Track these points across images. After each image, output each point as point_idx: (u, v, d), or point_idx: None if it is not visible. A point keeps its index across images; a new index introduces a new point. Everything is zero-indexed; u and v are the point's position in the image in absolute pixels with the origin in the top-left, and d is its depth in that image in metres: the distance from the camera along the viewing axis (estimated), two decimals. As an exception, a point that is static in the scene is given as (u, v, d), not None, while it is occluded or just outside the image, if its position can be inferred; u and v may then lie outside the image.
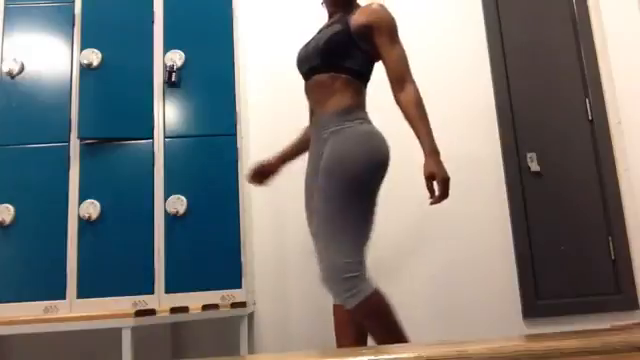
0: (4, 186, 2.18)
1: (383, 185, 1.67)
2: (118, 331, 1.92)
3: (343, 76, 1.70)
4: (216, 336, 2.49)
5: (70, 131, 2.25)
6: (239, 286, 2.19)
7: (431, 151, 1.60)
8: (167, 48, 2.35)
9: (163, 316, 2.06)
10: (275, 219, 2.63)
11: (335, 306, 1.75)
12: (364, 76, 1.76)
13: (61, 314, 2.07)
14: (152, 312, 2.03)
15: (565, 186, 2.71)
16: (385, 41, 1.68)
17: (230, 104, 2.34)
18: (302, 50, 1.84)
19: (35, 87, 2.28)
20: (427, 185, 1.59)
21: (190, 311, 2.08)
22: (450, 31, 2.85)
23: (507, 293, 2.57)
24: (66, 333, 2.07)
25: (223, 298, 2.16)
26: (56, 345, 2.39)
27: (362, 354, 0.81)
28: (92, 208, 2.18)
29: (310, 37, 1.85)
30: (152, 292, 2.15)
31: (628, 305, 2.55)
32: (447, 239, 2.60)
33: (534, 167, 2.70)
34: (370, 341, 1.72)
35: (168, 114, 2.32)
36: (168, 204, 2.22)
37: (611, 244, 2.63)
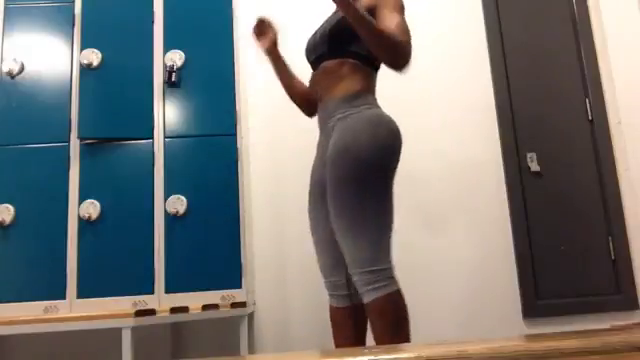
0: (4, 186, 2.18)
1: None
2: (118, 331, 1.92)
3: (351, 61, 1.66)
4: (216, 336, 2.49)
5: (70, 131, 2.25)
6: (239, 286, 2.19)
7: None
8: (167, 48, 2.35)
9: (163, 316, 2.06)
10: (275, 219, 2.63)
11: (331, 307, 1.73)
12: (374, 60, 1.70)
13: (61, 314, 2.07)
14: (152, 312, 2.03)
15: (565, 186, 2.71)
16: (386, 11, 1.59)
17: (230, 104, 2.34)
18: (310, 39, 1.81)
19: (35, 87, 2.28)
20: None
21: (190, 311, 2.08)
22: (450, 31, 2.85)
23: (507, 293, 2.57)
24: (66, 333, 2.07)
25: (223, 298, 2.16)
26: (56, 345, 2.39)
27: (362, 354, 0.80)
28: (92, 208, 2.18)
29: (313, 32, 1.83)
30: (152, 292, 2.15)
31: (628, 305, 2.55)
32: (447, 239, 2.60)
33: (534, 167, 2.70)
34: (369, 342, 1.71)
35: (168, 114, 2.32)
36: (168, 204, 2.22)
37: (611, 244, 2.63)
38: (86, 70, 2.27)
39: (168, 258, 2.19)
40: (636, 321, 2.45)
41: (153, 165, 2.26)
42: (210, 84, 2.36)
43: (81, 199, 2.19)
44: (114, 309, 2.06)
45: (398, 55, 1.55)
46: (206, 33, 2.40)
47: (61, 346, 2.39)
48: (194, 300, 2.12)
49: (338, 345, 1.72)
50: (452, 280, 2.56)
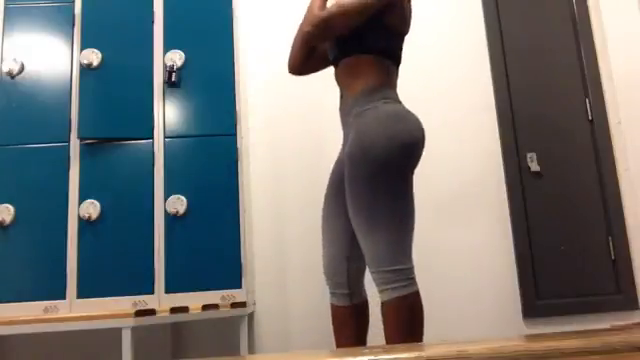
0: (4, 186, 2.18)
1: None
2: (118, 331, 1.92)
3: (367, 56, 1.65)
4: (216, 336, 2.49)
5: (70, 131, 2.25)
6: (239, 286, 2.19)
7: None
8: (167, 48, 2.35)
9: (163, 316, 2.06)
10: (275, 219, 2.63)
11: (333, 306, 1.74)
12: (392, 53, 1.69)
13: (61, 314, 2.07)
14: (152, 312, 2.03)
15: (565, 186, 2.71)
16: None
17: (230, 104, 2.34)
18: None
19: (35, 87, 2.28)
20: None
21: (190, 311, 2.08)
22: (450, 31, 2.85)
23: (507, 293, 2.57)
24: (66, 333, 2.07)
25: (223, 298, 2.16)
26: (56, 345, 2.39)
27: (362, 354, 0.81)
28: (92, 208, 2.18)
29: None
30: (152, 292, 2.15)
31: (628, 305, 2.55)
32: (447, 239, 2.60)
33: (534, 167, 2.70)
34: (370, 341, 1.72)
35: (168, 114, 2.32)
36: (168, 204, 2.22)
37: (611, 244, 2.63)
38: (86, 70, 2.27)
39: (168, 258, 2.19)
40: (636, 321, 2.45)
41: (153, 165, 2.26)
42: (210, 84, 2.36)
43: (81, 199, 2.19)
44: (114, 309, 2.05)
45: (307, 20, 1.62)
46: (206, 33, 2.40)
47: (61, 346, 2.39)
48: (194, 300, 2.12)
49: (339, 344, 1.72)
50: (452, 280, 2.56)
